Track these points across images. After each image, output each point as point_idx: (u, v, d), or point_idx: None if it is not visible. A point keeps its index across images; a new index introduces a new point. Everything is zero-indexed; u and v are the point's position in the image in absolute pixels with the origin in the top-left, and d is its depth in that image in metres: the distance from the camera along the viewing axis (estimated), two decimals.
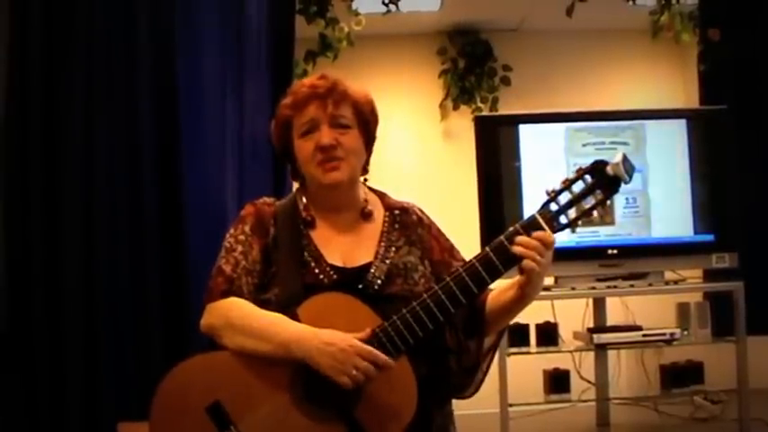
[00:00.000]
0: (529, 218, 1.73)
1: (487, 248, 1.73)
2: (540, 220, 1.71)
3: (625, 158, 1.68)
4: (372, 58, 4.91)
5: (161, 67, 3.30)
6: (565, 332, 4.01)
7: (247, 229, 1.92)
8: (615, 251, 3.87)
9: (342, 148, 1.88)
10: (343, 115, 1.90)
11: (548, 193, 1.73)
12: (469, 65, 5.15)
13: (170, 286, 3.22)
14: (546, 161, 3.96)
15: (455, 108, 5.14)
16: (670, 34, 4.35)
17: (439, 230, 2.01)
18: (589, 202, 1.70)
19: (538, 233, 1.70)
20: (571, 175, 1.72)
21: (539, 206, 1.73)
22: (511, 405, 3.67)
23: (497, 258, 1.72)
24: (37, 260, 3.10)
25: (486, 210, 3.88)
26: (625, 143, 4.01)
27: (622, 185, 1.69)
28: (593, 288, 3.88)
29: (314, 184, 1.93)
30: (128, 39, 3.28)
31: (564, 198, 1.71)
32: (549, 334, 3.93)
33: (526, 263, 1.70)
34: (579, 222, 1.71)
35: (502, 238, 1.72)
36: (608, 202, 1.70)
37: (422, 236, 1.97)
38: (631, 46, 5.19)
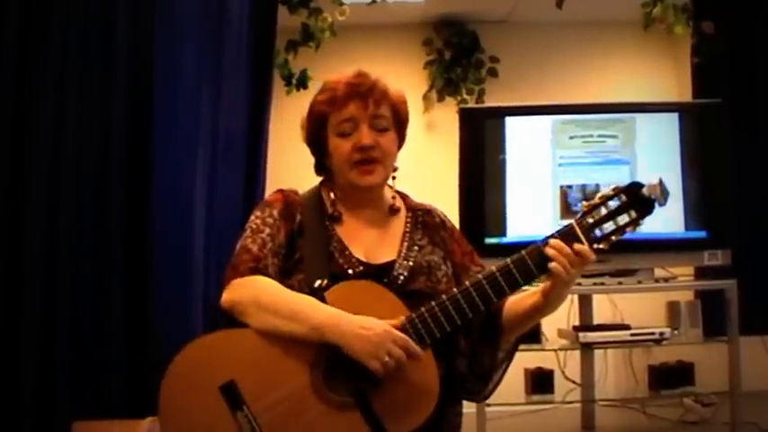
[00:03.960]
0: (566, 226, 1.79)
1: (523, 252, 1.78)
2: (578, 230, 1.77)
3: (661, 182, 1.77)
4: (356, 49, 4.84)
5: (138, 60, 3.31)
6: (549, 330, 3.93)
7: (275, 213, 1.94)
8: None
9: (379, 150, 1.91)
10: (383, 115, 1.93)
11: (584, 207, 1.79)
12: (456, 56, 5.09)
13: (133, 285, 3.22)
14: (532, 155, 3.94)
15: (440, 100, 5.08)
16: (663, 26, 4.30)
17: (460, 234, 2.06)
18: (623, 219, 1.77)
19: (579, 247, 1.75)
20: (608, 192, 1.79)
21: (578, 216, 1.80)
22: (489, 405, 3.56)
23: (532, 261, 1.77)
24: None
25: (467, 204, 3.86)
26: (614, 136, 3.99)
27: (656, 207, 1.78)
28: (580, 284, 3.77)
29: (345, 183, 1.96)
30: (105, 31, 3.28)
31: (599, 213, 1.78)
32: (532, 331, 3.71)
33: (554, 266, 1.75)
34: (613, 238, 1.78)
35: (539, 243, 1.78)
36: (641, 222, 1.78)
37: (444, 238, 2.01)
38: (623, 38, 5.13)
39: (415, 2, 4.78)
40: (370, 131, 1.90)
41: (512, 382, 3.68)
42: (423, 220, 2.01)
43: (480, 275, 1.78)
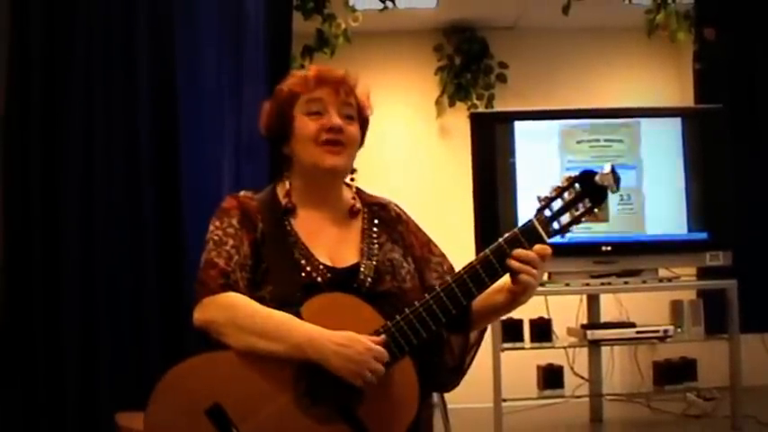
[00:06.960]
0: (526, 223, 1.76)
1: (488, 251, 1.76)
2: (538, 226, 1.74)
3: (613, 169, 1.73)
4: (369, 55, 4.89)
5: (160, 67, 3.33)
6: (559, 328, 4.02)
7: (235, 222, 1.87)
8: (609, 248, 3.86)
9: (346, 135, 1.88)
10: (351, 104, 1.90)
11: (540, 200, 1.76)
12: (466, 62, 5.16)
13: (167, 281, 3.25)
14: (541, 158, 3.96)
15: (451, 105, 5.13)
16: (665, 33, 4.35)
17: (416, 225, 2.01)
18: (579, 209, 1.75)
19: (538, 247, 1.74)
20: (562, 183, 1.76)
21: (534, 212, 1.76)
22: (504, 400, 3.69)
23: (497, 262, 1.75)
24: (36, 254, 3.13)
25: (481, 206, 3.88)
26: (620, 141, 4.02)
27: (610, 194, 1.75)
28: (588, 284, 3.90)
29: (308, 165, 1.89)
30: (127, 37, 3.31)
31: (556, 205, 1.75)
32: (543, 330, 3.93)
33: (522, 277, 1.73)
34: (570, 228, 1.76)
35: (502, 242, 1.75)
36: (595, 210, 1.74)
37: (402, 233, 1.96)
38: (627, 44, 5.18)
39: (426, 8, 4.84)
40: (339, 117, 1.86)
41: (525, 378, 3.91)
42: (379, 215, 1.96)
43: (449, 278, 1.75)
